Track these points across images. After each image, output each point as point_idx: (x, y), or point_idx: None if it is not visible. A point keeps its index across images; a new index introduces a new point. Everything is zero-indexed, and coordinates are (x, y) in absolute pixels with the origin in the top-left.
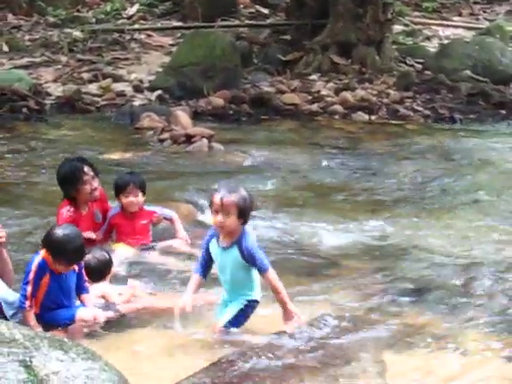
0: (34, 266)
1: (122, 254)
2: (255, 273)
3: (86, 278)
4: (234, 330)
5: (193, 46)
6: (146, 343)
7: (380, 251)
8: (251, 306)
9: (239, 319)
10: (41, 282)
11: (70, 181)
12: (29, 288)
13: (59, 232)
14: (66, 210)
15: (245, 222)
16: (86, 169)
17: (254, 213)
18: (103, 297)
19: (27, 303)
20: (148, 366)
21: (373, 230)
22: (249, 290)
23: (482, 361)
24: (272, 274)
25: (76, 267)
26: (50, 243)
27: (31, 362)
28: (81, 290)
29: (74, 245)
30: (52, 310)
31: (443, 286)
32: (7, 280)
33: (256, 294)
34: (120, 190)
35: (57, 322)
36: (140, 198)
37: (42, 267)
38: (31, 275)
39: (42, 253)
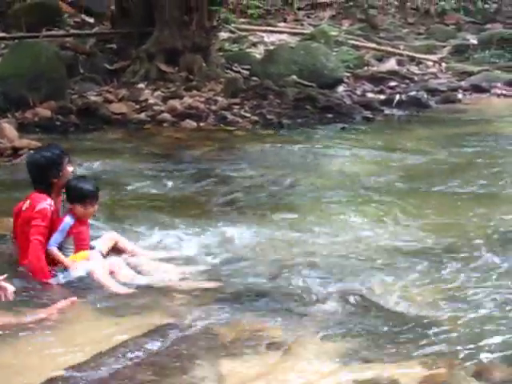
0: None
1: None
2: None
3: None
4: None
5: (17, 56)
6: None
7: (219, 256)
8: None
9: None
10: None
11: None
12: None
13: None
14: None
15: None
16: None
17: None
18: None
19: None
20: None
21: (211, 235)
22: None
23: (317, 366)
24: None
25: None
26: None
27: None
28: None
29: None
30: None
31: (280, 291)
32: None
33: None
34: (91, 197)
35: None
36: None
37: None
38: None
39: None
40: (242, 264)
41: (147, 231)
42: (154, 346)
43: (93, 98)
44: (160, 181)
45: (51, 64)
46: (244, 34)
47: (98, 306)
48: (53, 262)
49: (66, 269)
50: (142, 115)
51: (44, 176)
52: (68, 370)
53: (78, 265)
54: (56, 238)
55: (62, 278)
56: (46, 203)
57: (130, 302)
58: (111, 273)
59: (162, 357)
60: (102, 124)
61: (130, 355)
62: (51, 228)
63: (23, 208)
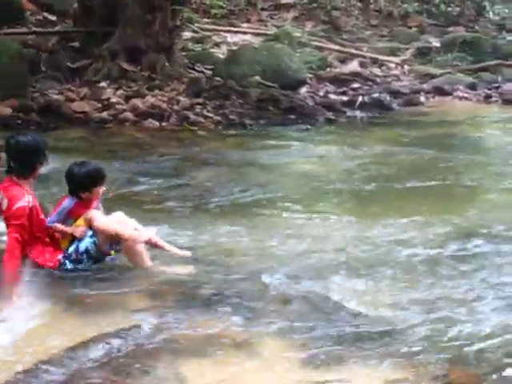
0: None
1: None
2: None
3: None
4: None
5: None
6: None
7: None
8: None
9: None
10: None
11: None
12: None
13: None
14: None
15: None
16: None
17: None
18: None
19: None
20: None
21: (182, 236)
22: None
23: (279, 367)
24: None
25: None
26: None
27: None
28: None
29: None
30: None
31: (239, 292)
32: None
33: None
34: (102, 179)
35: None
36: None
37: None
38: None
39: None
40: (209, 265)
41: None
42: (115, 346)
43: (55, 97)
44: (125, 180)
45: (13, 62)
46: (207, 34)
47: (61, 303)
48: (56, 242)
49: (73, 241)
50: (104, 114)
51: (31, 159)
52: (26, 370)
53: (84, 229)
54: (53, 218)
55: (68, 263)
56: (23, 201)
57: (92, 299)
58: None
59: (123, 357)
60: (63, 122)
61: (90, 355)
62: (32, 220)
63: (3, 207)
